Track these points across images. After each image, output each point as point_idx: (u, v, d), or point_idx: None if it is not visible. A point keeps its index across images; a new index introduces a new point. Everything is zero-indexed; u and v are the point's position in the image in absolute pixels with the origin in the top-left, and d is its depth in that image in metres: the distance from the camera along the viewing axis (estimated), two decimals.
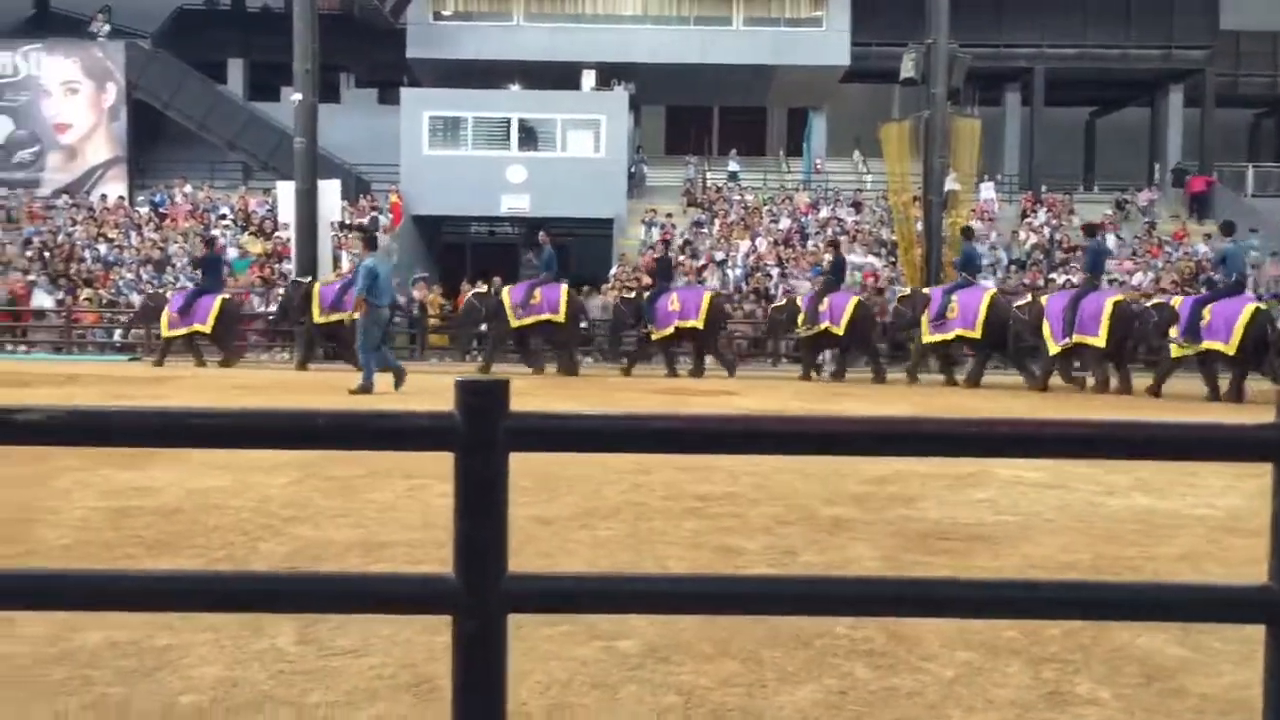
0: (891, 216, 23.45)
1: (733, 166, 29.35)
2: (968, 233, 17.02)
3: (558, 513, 5.19)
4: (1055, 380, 14.21)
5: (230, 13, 31.79)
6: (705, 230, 25.21)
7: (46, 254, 22.81)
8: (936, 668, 3.20)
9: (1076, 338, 13.67)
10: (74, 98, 27.24)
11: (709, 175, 29.17)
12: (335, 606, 2.12)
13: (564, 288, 16.46)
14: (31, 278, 21.65)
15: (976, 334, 14.67)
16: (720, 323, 16.93)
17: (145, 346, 18.72)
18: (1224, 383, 12.91)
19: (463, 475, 1.95)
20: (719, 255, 23.62)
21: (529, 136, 26.05)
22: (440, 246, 27.98)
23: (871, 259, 23.27)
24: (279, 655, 3.18)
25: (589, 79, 26.59)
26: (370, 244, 12.84)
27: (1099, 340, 13.49)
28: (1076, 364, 14.50)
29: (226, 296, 17.52)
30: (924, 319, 15.32)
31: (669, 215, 25.68)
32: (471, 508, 1.95)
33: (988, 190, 26.92)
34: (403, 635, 3.31)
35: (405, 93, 26.62)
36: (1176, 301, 13.93)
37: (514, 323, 16.23)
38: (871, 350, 16.19)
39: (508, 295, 16.52)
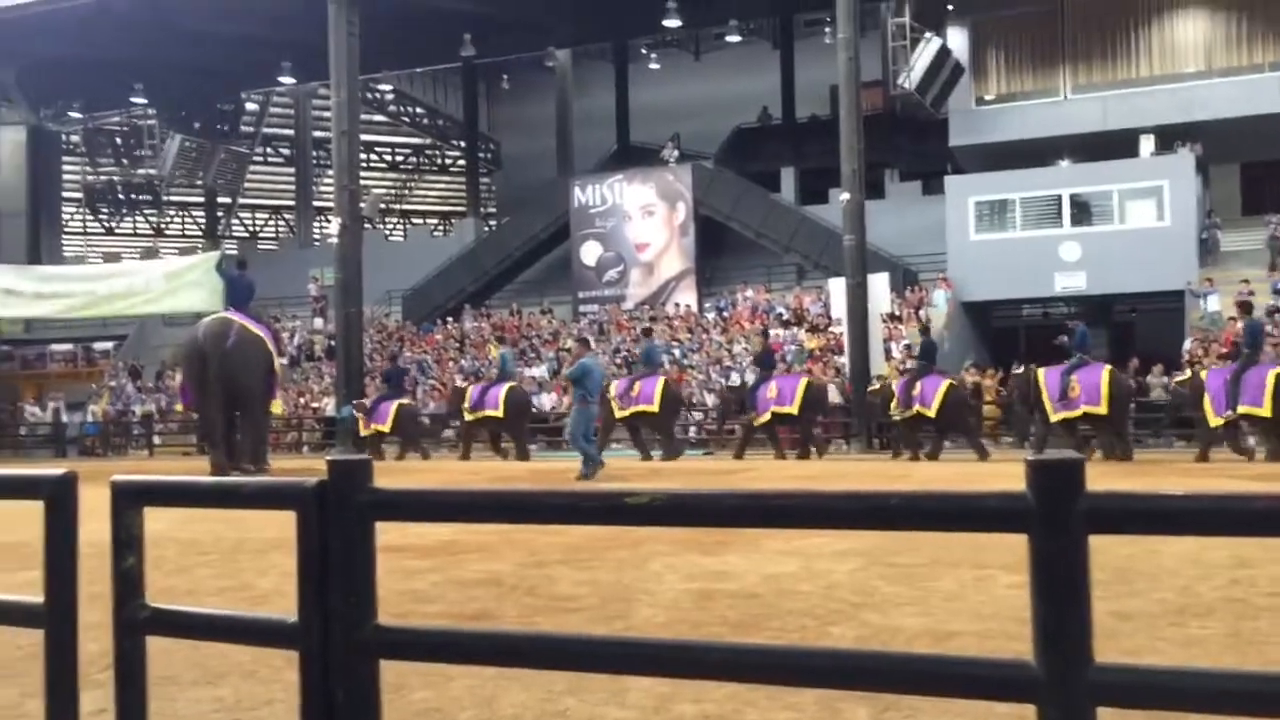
0: None
1: None
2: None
3: (1140, 608, 4.81)
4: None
5: (782, 126, 33.88)
6: None
7: (632, 362, 25.45)
8: None
9: (1242, 409, 14.34)
10: (650, 219, 30.42)
11: None
12: (911, 686, 2.14)
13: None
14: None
15: (1102, 409, 15.23)
16: (817, 407, 18.14)
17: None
18: None
19: (1038, 558, 1.90)
20: None
21: (1082, 211, 24.89)
22: (992, 331, 27.41)
23: None
24: None
25: (1147, 144, 24.97)
26: (583, 344, 14.86)
27: (1264, 411, 14.11)
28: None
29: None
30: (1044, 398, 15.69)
31: (1245, 281, 23.14)
32: (1050, 592, 1.89)
33: None
34: None
35: (950, 181, 26.64)
36: None
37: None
38: (966, 431, 17.01)
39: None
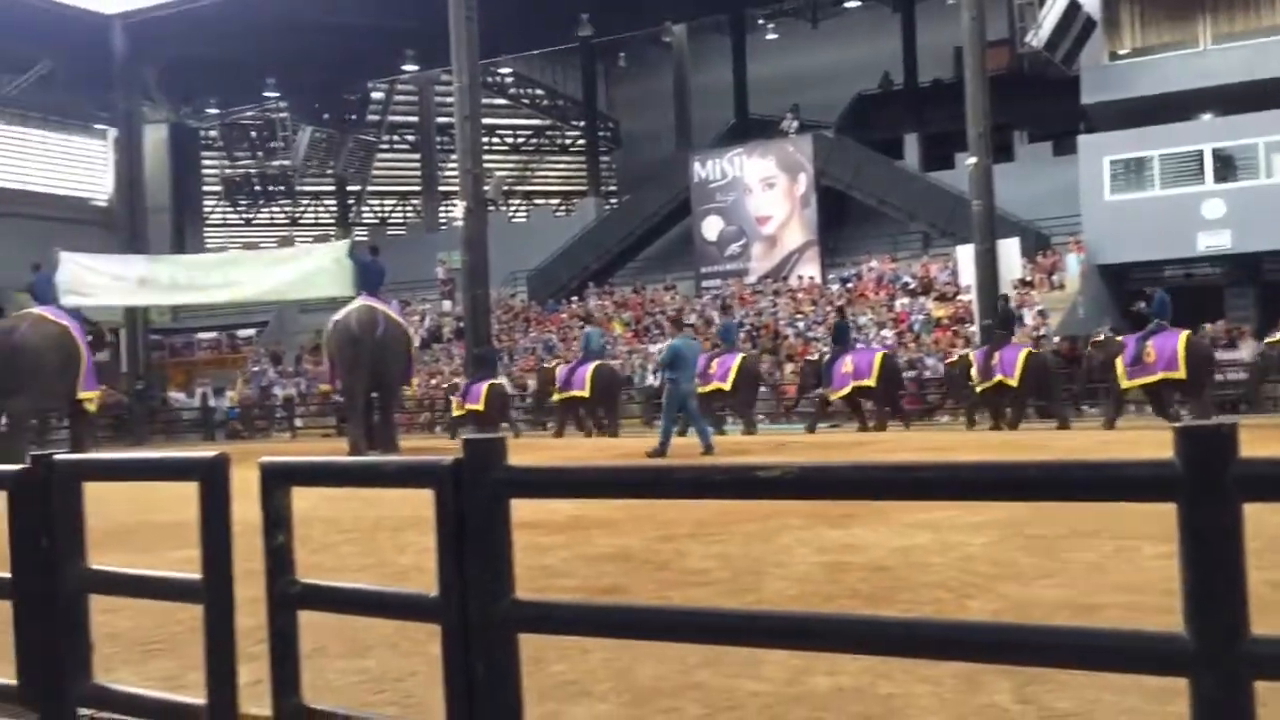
0: None
1: None
2: None
3: None
4: None
5: (904, 91, 33.19)
6: None
7: (756, 334, 25.35)
8: None
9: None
10: (771, 191, 30.16)
11: None
12: (1057, 659, 2.09)
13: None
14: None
15: (1180, 374, 15.14)
16: (896, 380, 18.22)
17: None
18: None
19: (1188, 527, 1.84)
20: None
21: (1226, 167, 23.79)
22: (1128, 295, 26.45)
23: None
24: (999, 713, 3.19)
25: None
26: (676, 325, 13.40)
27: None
28: None
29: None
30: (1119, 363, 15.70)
31: None
32: (1201, 562, 1.83)
33: None
34: (1127, 702, 3.14)
35: (1082, 140, 25.74)
36: None
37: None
38: (1049, 398, 17.08)
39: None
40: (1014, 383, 16.36)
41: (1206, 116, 25.32)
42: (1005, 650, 2.05)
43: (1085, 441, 12.90)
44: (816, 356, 19.73)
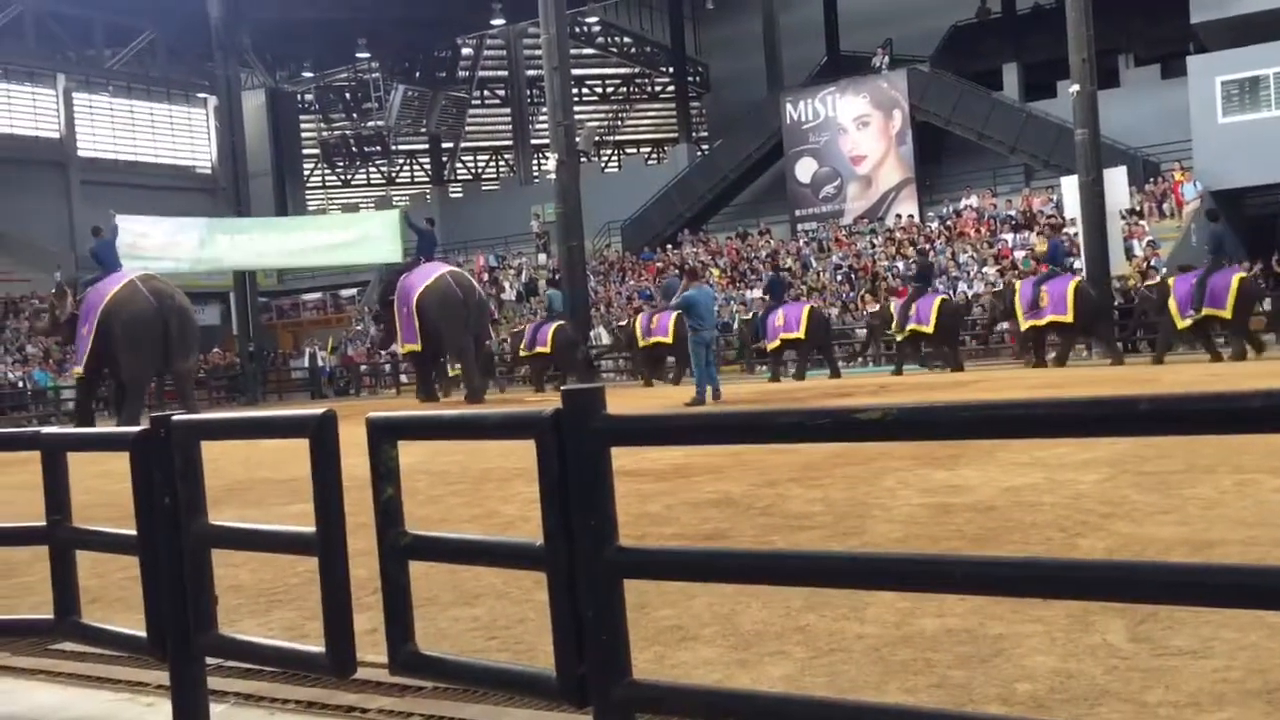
0: None
1: None
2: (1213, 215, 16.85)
3: None
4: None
5: (1001, 20, 32.18)
6: None
7: (854, 276, 25.01)
8: None
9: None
10: (865, 130, 29.59)
11: None
12: (1172, 596, 2.03)
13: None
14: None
15: (1227, 314, 15.25)
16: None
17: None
18: None
19: None
20: None
21: None
22: (1244, 221, 25.41)
23: None
24: (1111, 651, 3.13)
25: None
26: (692, 276, 15.16)
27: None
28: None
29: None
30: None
31: None
32: None
33: None
34: (1248, 639, 3.06)
35: (1192, 61, 24.70)
36: None
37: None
38: (1100, 335, 17.31)
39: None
40: (1068, 319, 16.30)
41: None
42: (1117, 587, 2.00)
43: (1191, 375, 12.54)
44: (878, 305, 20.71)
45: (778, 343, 18.46)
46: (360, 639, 2.84)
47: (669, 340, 19.36)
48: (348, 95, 40.56)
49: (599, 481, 2.35)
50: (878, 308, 21.05)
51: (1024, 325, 16.92)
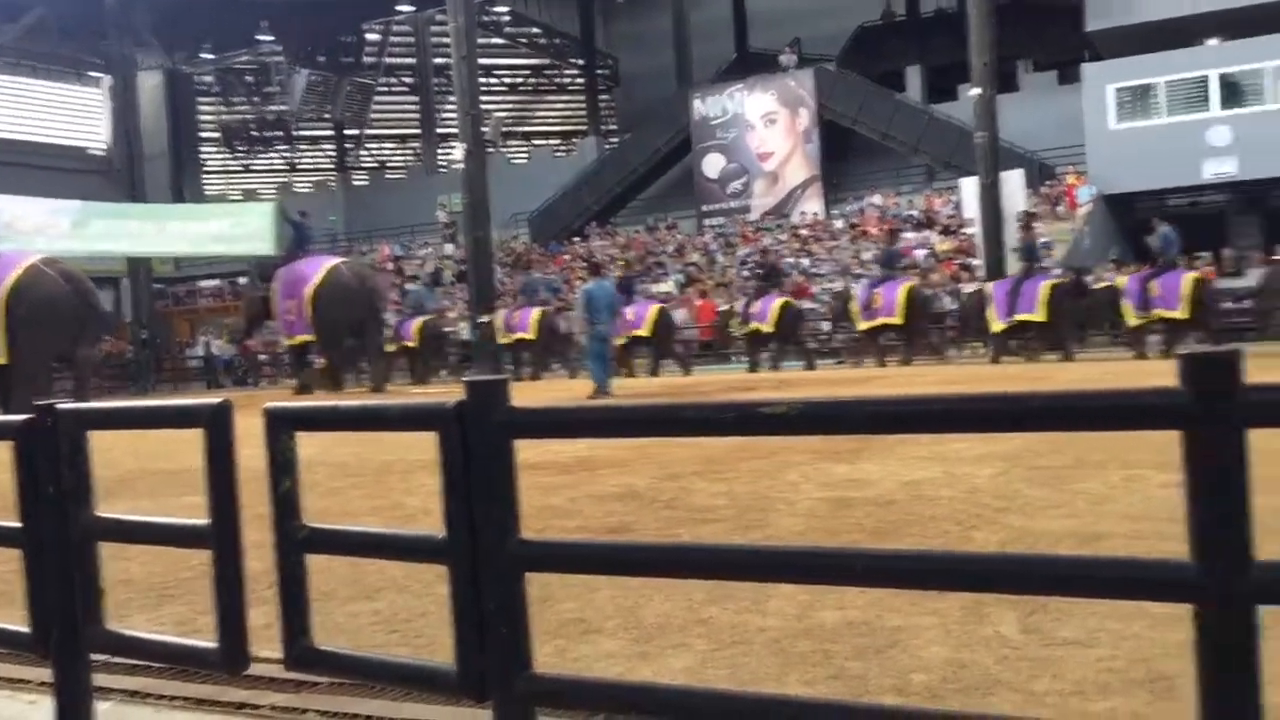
0: None
1: None
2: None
3: None
4: None
5: (906, 22, 32.78)
6: None
7: (760, 272, 25.23)
8: None
9: (1156, 312, 15.68)
10: (772, 127, 29.90)
11: None
12: (1060, 588, 2.09)
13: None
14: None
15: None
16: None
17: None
18: None
19: (1191, 455, 1.82)
20: None
21: (1232, 93, 23.54)
22: (1134, 225, 26.29)
23: None
24: (1003, 642, 3.21)
25: None
26: (593, 270, 15.84)
27: (1181, 313, 15.56)
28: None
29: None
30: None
31: None
32: (1203, 489, 1.82)
33: None
34: (1131, 629, 3.16)
35: (1087, 68, 25.47)
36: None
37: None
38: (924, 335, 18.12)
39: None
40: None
41: (1213, 41, 25.00)
42: (1010, 580, 2.05)
43: (1089, 373, 12.91)
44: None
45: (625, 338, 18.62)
46: (255, 634, 2.78)
47: (532, 336, 19.79)
48: (249, 78, 39.64)
49: (502, 474, 2.33)
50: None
51: (860, 327, 17.94)
